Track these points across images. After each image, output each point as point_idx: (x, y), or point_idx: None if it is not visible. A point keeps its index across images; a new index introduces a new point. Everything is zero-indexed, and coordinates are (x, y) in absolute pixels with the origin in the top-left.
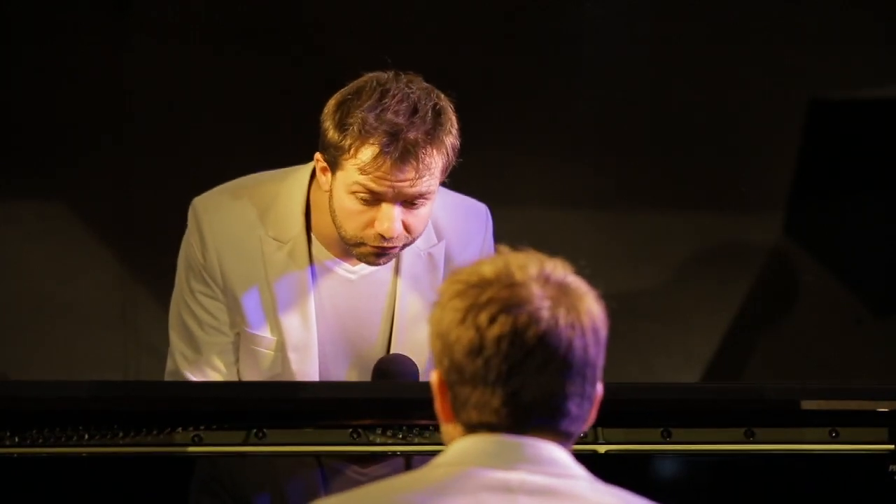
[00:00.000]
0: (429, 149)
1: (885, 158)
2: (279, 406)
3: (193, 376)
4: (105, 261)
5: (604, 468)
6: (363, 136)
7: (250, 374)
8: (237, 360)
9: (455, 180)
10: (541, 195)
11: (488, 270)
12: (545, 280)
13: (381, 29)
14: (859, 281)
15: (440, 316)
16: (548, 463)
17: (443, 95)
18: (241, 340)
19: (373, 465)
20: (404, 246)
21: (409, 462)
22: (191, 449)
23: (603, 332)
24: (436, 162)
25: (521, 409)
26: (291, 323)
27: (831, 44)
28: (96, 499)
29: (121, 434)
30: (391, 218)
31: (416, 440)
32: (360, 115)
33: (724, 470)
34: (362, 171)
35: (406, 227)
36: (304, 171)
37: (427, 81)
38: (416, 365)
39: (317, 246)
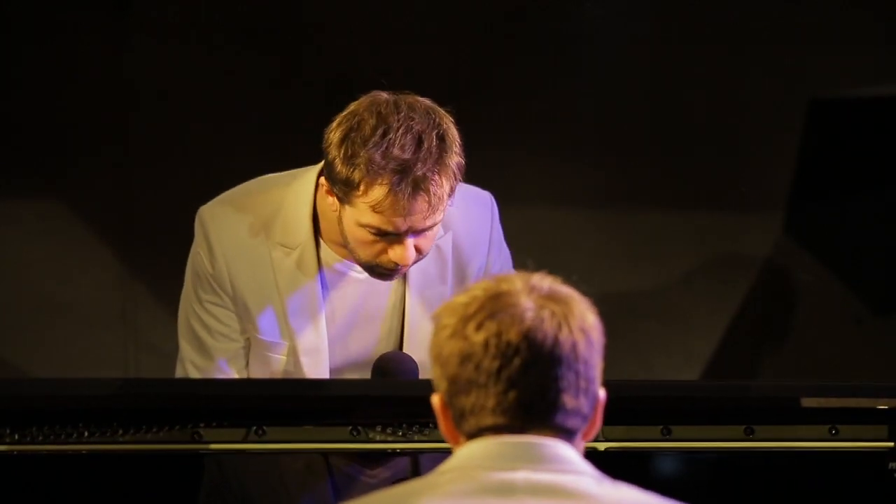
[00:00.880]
0: (438, 178)
1: (885, 158)
2: (279, 403)
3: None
4: (105, 260)
5: (604, 466)
6: (371, 175)
7: None
8: (247, 366)
9: None
10: (541, 195)
11: (478, 289)
12: (531, 289)
13: (381, 29)
14: (859, 280)
15: (434, 340)
16: (551, 460)
17: (443, 113)
18: (252, 346)
19: (375, 464)
20: (415, 262)
21: (410, 459)
22: (191, 446)
23: (595, 334)
24: (445, 189)
25: (515, 407)
26: (303, 328)
27: (831, 43)
28: (96, 497)
29: (121, 432)
30: (405, 248)
31: (417, 437)
32: (366, 155)
33: (723, 467)
34: (374, 208)
35: (418, 250)
36: (309, 174)
37: (427, 81)
38: (415, 363)
39: (325, 249)
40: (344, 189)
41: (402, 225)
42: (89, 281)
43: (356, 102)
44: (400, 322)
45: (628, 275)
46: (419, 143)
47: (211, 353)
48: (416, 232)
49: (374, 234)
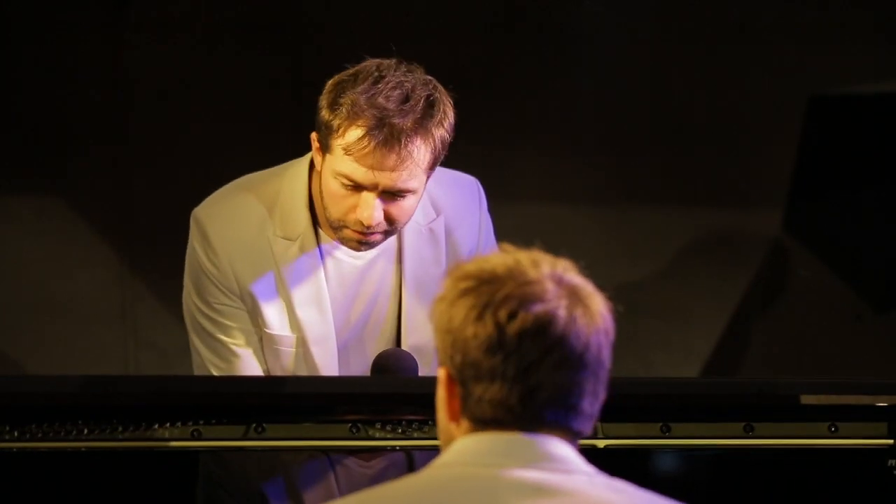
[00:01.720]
0: (415, 138)
1: (885, 155)
2: (278, 401)
3: None
4: (104, 258)
5: (603, 463)
6: (351, 118)
7: (275, 373)
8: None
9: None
10: (541, 192)
11: (499, 267)
12: (558, 280)
13: (381, 28)
14: (859, 277)
15: (449, 313)
16: (553, 460)
17: (442, 89)
18: (263, 342)
19: (374, 457)
20: (386, 237)
21: (410, 456)
22: (190, 444)
23: (612, 334)
24: (421, 153)
25: (535, 406)
26: (310, 318)
27: (830, 41)
28: (96, 494)
29: (120, 429)
30: (370, 206)
31: (416, 434)
32: (351, 97)
33: (723, 465)
34: (346, 150)
35: (388, 218)
36: (301, 164)
37: None
38: (415, 360)
39: (323, 237)
40: (325, 134)
41: (371, 177)
42: (89, 279)
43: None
44: (398, 304)
45: (628, 271)
46: (406, 99)
47: (233, 353)
48: (386, 193)
49: (346, 185)
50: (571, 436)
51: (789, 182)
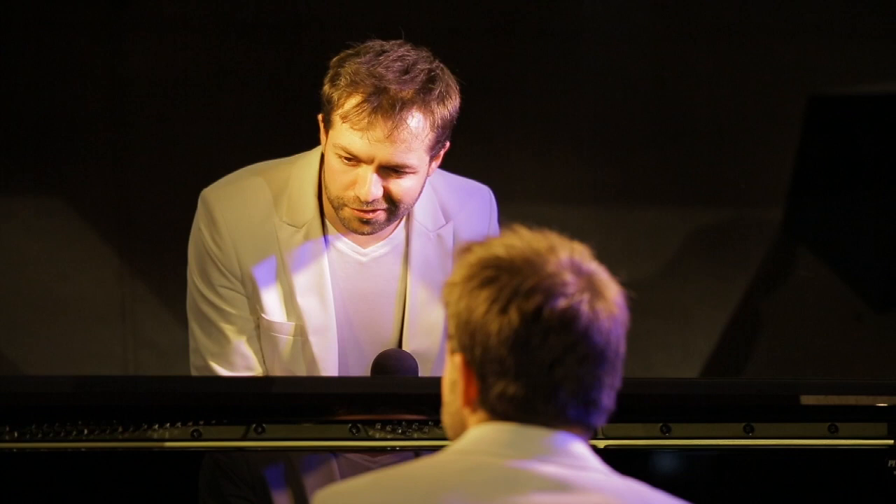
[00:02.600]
0: (412, 108)
1: (885, 154)
2: (278, 401)
3: (221, 368)
4: (104, 257)
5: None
6: (351, 87)
7: (272, 362)
8: (261, 349)
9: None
10: (540, 191)
11: (516, 255)
12: (577, 269)
13: (381, 26)
14: (859, 277)
15: (468, 303)
16: (571, 456)
17: (447, 70)
18: (261, 329)
19: (379, 456)
20: (389, 218)
21: (410, 457)
22: (190, 444)
23: (627, 323)
24: (420, 126)
25: (558, 402)
26: (311, 306)
27: (830, 40)
28: (96, 494)
29: (120, 429)
30: (367, 181)
31: (416, 435)
32: (352, 68)
33: (723, 465)
34: (344, 118)
35: (389, 196)
36: (314, 154)
37: None
38: (415, 360)
39: (330, 229)
40: (327, 110)
41: (368, 149)
42: (88, 278)
43: None
44: (402, 308)
45: (627, 271)
46: (406, 71)
47: (226, 337)
48: (385, 169)
49: (345, 159)
50: (588, 432)
51: (789, 182)
